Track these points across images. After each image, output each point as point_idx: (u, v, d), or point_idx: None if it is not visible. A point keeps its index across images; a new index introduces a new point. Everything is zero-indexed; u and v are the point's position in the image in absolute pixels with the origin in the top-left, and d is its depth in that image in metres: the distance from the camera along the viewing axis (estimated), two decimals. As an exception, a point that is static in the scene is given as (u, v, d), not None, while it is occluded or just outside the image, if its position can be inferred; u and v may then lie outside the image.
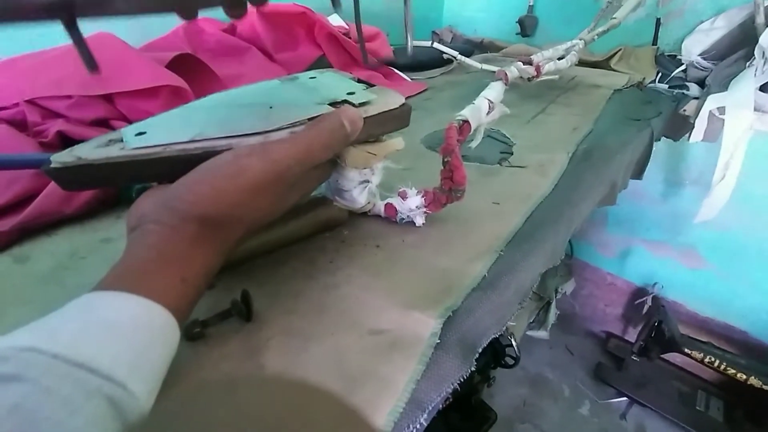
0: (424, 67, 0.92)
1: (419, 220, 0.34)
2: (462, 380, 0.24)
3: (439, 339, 0.24)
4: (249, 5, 0.20)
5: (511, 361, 0.97)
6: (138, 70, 0.48)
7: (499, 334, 0.26)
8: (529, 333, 1.25)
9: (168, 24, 0.66)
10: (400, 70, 0.86)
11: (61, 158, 0.21)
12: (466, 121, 0.34)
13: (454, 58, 0.93)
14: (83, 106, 0.46)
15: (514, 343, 0.95)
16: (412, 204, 0.34)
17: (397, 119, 0.28)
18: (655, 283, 1.19)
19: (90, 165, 0.21)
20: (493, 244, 0.33)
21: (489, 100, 0.37)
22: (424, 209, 0.34)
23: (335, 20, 0.82)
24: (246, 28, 0.72)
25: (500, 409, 1.02)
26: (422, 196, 0.34)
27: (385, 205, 0.35)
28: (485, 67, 0.89)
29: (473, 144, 0.36)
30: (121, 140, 0.23)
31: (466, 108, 0.35)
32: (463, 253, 0.32)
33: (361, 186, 0.32)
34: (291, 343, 0.24)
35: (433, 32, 1.21)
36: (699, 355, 0.99)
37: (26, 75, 0.48)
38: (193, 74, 0.54)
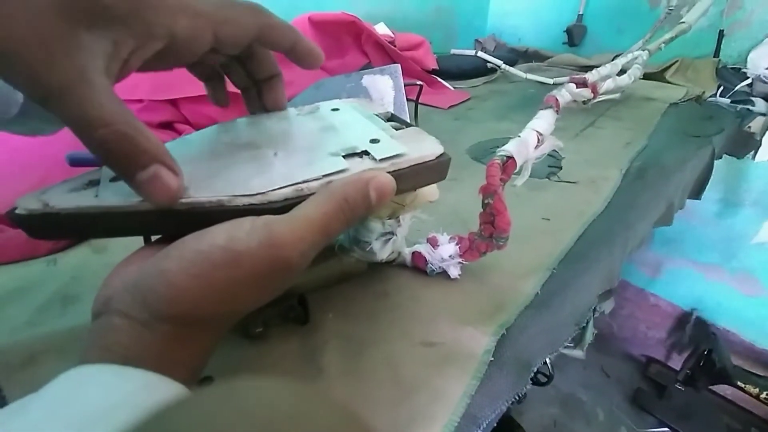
0: (468, 75, 0.91)
1: (454, 272, 0.30)
2: (517, 398, 0.23)
3: (492, 357, 0.24)
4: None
5: (543, 379, 0.93)
6: (201, 77, 0.52)
7: (555, 354, 0.26)
8: (563, 351, 1.20)
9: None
10: (444, 79, 0.86)
11: (27, 203, 0.18)
12: (510, 158, 0.29)
13: (498, 67, 0.93)
14: (152, 110, 0.49)
15: (547, 360, 0.92)
16: (444, 253, 0.30)
17: (431, 172, 0.23)
18: (693, 309, 1.11)
19: (57, 214, 0.18)
20: (544, 261, 0.33)
21: (538, 132, 0.32)
22: (459, 259, 0.30)
23: (382, 29, 0.84)
24: (297, 36, 0.75)
25: (529, 427, 0.99)
26: (456, 244, 0.30)
27: (413, 254, 0.31)
28: (530, 76, 0.88)
29: (519, 182, 0.31)
30: (98, 183, 0.20)
31: (511, 142, 0.30)
32: (513, 268, 0.32)
33: (383, 238, 0.28)
34: (347, 347, 0.25)
35: (476, 40, 1.20)
36: (754, 390, 0.92)
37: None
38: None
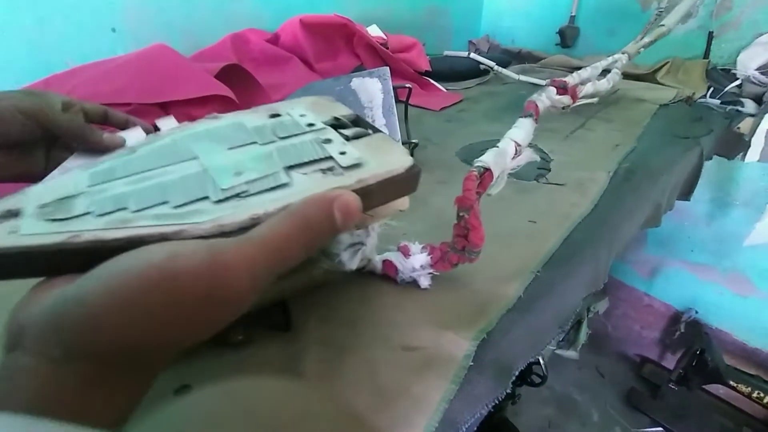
0: (460, 77, 0.92)
1: (424, 282, 0.29)
2: (497, 401, 0.23)
3: (472, 361, 0.24)
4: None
5: (537, 380, 0.94)
6: (190, 80, 0.52)
7: (536, 357, 0.26)
8: (557, 351, 1.20)
9: (217, 34, 0.70)
10: (437, 80, 0.86)
11: None
12: (487, 169, 0.29)
13: (491, 68, 0.93)
14: (140, 113, 0.49)
15: (541, 360, 0.92)
16: (415, 263, 0.29)
17: (400, 186, 0.21)
18: (687, 309, 1.12)
19: None
20: (528, 264, 0.33)
21: (516, 142, 0.32)
22: (430, 269, 0.29)
23: (374, 31, 0.84)
24: (288, 38, 0.75)
25: (524, 429, 0.99)
26: (428, 254, 0.29)
27: (383, 262, 0.30)
28: (522, 78, 0.88)
29: (493, 191, 0.31)
30: (18, 214, 0.17)
31: (488, 152, 0.30)
32: (497, 272, 0.32)
33: (352, 249, 0.27)
34: (327, 353, 0.25)
35: (470, 42, 1.21)
36: (746, 389, 0.93)
37: (89, 83, 0.52)
38: (239, 82, 0.57)
